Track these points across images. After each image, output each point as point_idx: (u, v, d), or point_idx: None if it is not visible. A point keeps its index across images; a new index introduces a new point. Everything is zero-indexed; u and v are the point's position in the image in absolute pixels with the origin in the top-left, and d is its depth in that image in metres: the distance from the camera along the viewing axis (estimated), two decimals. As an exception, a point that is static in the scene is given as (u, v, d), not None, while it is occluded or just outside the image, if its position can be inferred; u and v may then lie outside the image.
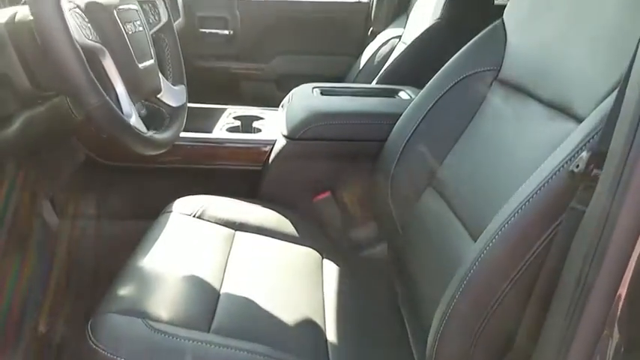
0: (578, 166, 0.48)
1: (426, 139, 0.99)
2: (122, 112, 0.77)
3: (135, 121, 0.79)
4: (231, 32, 2.13)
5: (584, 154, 0.48)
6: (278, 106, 1.41)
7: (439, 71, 0.98)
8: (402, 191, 1.02)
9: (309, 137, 1.17)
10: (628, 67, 0.46)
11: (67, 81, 0.66)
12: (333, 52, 2.20)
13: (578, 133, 0.54)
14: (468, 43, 0.95)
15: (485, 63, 0.90)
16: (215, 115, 1.42)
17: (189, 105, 1.46)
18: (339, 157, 1.20)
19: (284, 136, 1.20)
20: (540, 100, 0.73)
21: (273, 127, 1.32)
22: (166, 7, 1.01)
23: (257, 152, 1.25)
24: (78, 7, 0.74)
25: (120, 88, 0.78)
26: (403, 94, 1.37)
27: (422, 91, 1.02)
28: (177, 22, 1.96)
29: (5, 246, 0.98)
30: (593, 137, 0.51)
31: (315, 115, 1.18)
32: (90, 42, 0.73)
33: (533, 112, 0.73)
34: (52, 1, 0.64)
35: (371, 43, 1.99)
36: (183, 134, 1.19)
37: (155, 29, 0.98)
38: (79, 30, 0.70)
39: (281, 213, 1.12)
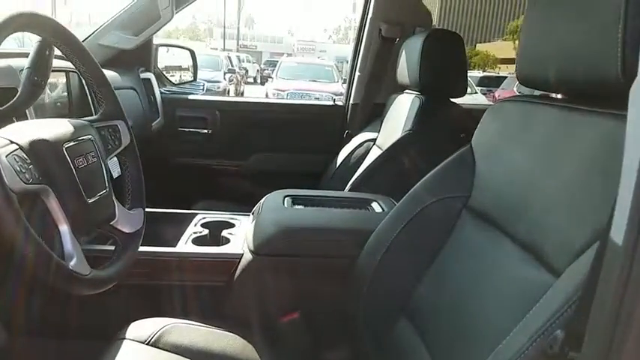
0: (551, 346, 0.43)
1: (397, 262, 0.95)
2: (64, 253, 0.73)
3: (75, 263, 0.74)
4: (210, 131, 2.14)
5: (559, 333, 0.43)
6: (253, 207, 1.37)
7: (408, 194, 0.96)
8: (375, 315, 0.96)
9: (276, 253, 1.12)
10: (607, 225, 0.41)
11: (2, 233, 0.62)
12: (309, 151, 2.21)
13: (552, 297, 0.50)
14: (437, 167, 0.94)
15: (453, 189, 0.88)
16: (184, 221, 1.37)
17: (158, 210, 1.43)
18: (307, 274, 1.14)
19: (250, 250, 1.14)
20: (513, 238, 0.70)
21: (242, 238, 1.26)
22: (128, 129, 0.99)
23: (223, 267, 1.18)
24: (20, 147, 0.71)
25: (63, 228, 0.74)
26: (376, 206, 1.35)
27: (392, 212, 0.99)
28: (156, 122, 1.97)
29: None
30: (567, 309, 0.46)
31: (282, 230, 1.14)
32: (30, 186, 0.69)
33: (507, 251, 0.69)
34: None
35: (347, 145, 2.01)
36: (144, 248, 1.13)
37: (115, 154, 0.95)
38: (17, 175, 0.67)
39: (246, 338, 1.03)
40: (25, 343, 1.16)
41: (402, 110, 1.68)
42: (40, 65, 0.91)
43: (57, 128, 0.80)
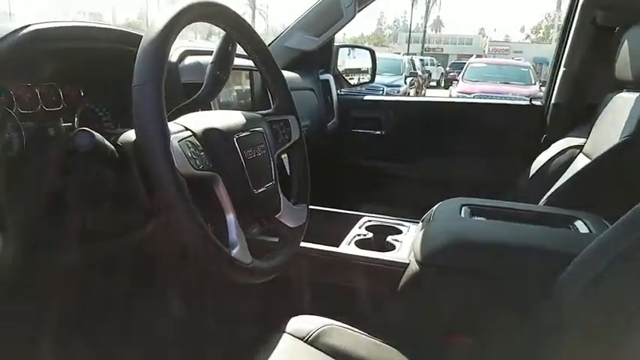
0: None
1: (604, 298, 0.74)
2: (228, 241, 0.74)
3: (238, 251, 0.74)
4: (382, 132, 2.09)
5: None
6: (423, 213, 1.27)
7: (627, 215, 0.74)
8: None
9: (448, 267, 1.00)
10: None
11: (168, 212, 0.64)
12: (495, 157, 1.98)
13: None
14: None
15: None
16: (349, 222, 1.33)
17: (323, 208, 1.42)
18: (484, 296, 0.99)
19: (417, 261, 1.04)
20: None
21: (408, 246, 1.17)
22: (298, 125, 0.98)
23: (386, 274, 1.11)
24: (194, 134, 0.74)
25: (230, 216, 0.75)
26: (581, 226, 1.11)
27: (603, 235, 0.78)
28: (331, 123, 2.00)
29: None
30: None
31: (457, 242, 1.01)
32: (199, 172, 0.71)
33: None
34: (160, 142, 0.64)
35: (545, 151, 1.75)
36: (307, 245, 1.12)
37: (284, 148, 0.95)
38: (188, 161, 0.69)
39: (405, 354, 0.94)
40: (196, 323, 1.26)
41: (621, 112, 1.40)
42: (223, 60, 0.95)
43: (230, 119, 0.82)
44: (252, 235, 0.90)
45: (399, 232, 1.28)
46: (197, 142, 0.72)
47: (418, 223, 1.28)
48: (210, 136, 0.75)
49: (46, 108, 0.91)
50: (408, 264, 1.08)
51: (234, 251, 0.73)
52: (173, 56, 1.09)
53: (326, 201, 1.45)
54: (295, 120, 0.98)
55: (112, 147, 0.73)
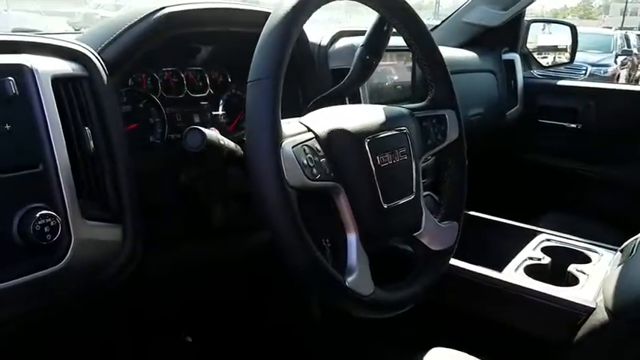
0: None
1: None
2: (346, 264, 0.61)
3: (355, 279, 0.61)
4: (579, 126, 1.70)
5: None
6: (625, 238, 0.98)
7: None
8: None
9: None
10: None
11: (271, 230, 0.55)
12: None
13: None
14: None
15: None
16: (521, 237, 1.09)
17: (488, 217, 1.19)
18: None
19: (607, 309, 0.78)
20: None
21: (597, 283, 0.90)
22: (458, 122, 0.79)
23: (561, 317, 0.86)
24: (316, 137, 0.61)
25: (352, 235, 0.62)
26: None
27: None
28: (511, 111, 1.71)
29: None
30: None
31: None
32: (315, 183, 0.59)
33: None
34: (267, 152, 0.54)
35: None
36: (460, 263, 0.94)
37: (434, 151, 0.77)
38: (303, 170, 0.57)
39: None
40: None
41: None
42: (374, 44, 0.81)
43: (365, 117, 0.68)
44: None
45: (587, 259, 1.01)
46: (317, 146, 0.61)
47: (616, 251, 0.99)
48: (334, 139, 0.62)
49: (191, 94, 0.89)
50: (594, 309, 0.82)
51: (351, 279, 0.60)
52: (324, 39, 0.99)
53: (491, 207, 1.22)
54: (454, 115, 0.80)
55: (231, 145, 0.65)
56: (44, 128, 0.55)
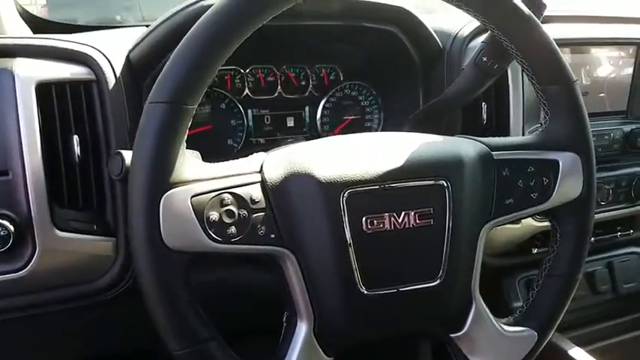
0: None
1: None
2: None
3: None
4: None
5: None
6: None
7: None
8: None
9: None
10: None
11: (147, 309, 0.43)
12: None
13: None
14: None
15: None
16: None
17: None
18: None
19: None
20: None
21: None
22: (588, 171, 0.51)
23: None
24: (262, 182, 0.45)
25: (302, 324, 0.45)
26: None
27: None
28: None
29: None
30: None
31: None
32: (233, 247, 0.43)
33: None
34: (142, 192, 0.41)
35: None
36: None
37: (518, 215, 0.51)
38: (210, 229, 0.43)
39: None
40: None
41: None
42: (500, 44, 0.54)
43: (370, 156, 0.47)
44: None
45: None
46: (256, 196, 0.44)
47: None
48: (291, 188, 0.45)
49: (285, 94, 0.80)
50: None
51: None
52: (465, 29, 0.73)
53: None
54: (580, 163, 0.48)
55: None
56: (16, 135, 0.52)
